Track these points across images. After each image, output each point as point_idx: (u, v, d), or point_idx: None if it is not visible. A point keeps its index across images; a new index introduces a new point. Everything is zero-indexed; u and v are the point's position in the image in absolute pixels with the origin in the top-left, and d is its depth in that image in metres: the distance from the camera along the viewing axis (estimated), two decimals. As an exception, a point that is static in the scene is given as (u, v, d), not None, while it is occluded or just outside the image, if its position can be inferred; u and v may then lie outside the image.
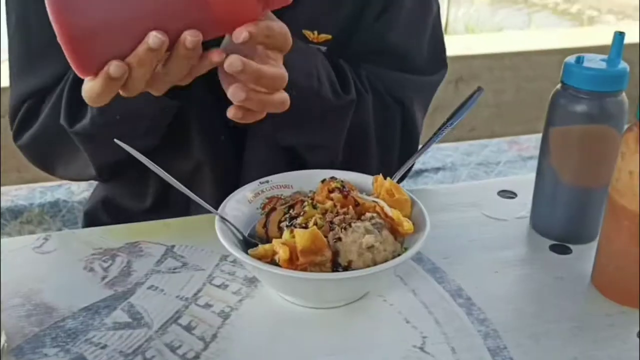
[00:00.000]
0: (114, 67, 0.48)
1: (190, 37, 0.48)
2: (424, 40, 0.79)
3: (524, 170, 1.62)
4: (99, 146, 0.70)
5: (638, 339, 0.53)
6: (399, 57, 0.78)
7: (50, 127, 0.71)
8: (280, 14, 0.59)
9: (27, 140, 0.74)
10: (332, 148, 0.75)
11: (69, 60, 0.48)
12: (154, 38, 0.48)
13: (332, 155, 0.75)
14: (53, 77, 0.71)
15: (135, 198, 0.80)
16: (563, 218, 0.66)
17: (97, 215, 0.85)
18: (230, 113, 0.54)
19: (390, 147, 0.79)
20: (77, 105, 0.67)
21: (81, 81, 0.53)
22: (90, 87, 0.50)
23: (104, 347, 0.52)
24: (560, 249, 0.66)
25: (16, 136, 0.75)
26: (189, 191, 0.58)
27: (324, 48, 0.74)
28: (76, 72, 0.49)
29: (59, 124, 0.68)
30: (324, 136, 0.74)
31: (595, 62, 0.61)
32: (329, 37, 0.73)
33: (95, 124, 0.66)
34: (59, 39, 0.47)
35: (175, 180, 0.58)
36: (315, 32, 0.73)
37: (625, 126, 0.58)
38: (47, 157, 0.78)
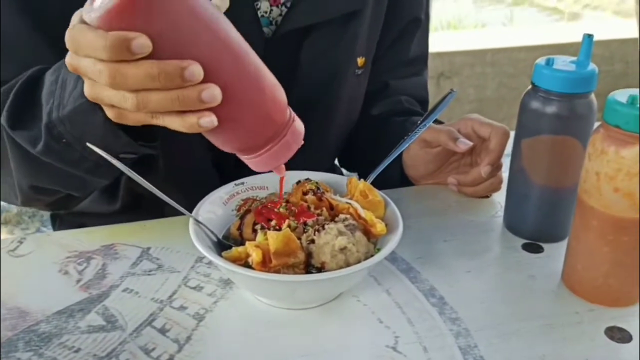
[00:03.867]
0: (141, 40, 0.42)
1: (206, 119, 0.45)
2: (428, 41, 0.91)
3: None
4: (33, 165, 0.62)
5: (605, 336, 0.55)
6: (419, 63, 0.90)
7: None
8: (342, 44, 0.75)
9: None
10: None
11: None
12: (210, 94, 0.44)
13: None
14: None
15: (104, 200, 0.80)
16: (535, 217, 0.67)
17: (65, 217, 0.85)
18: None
19: None
20: (25, 110, 0.60)
21: (35, 85, 0.54)
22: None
23: (78, 350, 0.52)
24: (532, 247, 0.67)
25: None
26: (162, 194, 0.58)
27: (360, 71, 0.81)
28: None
29: None
30: None
31: (565, 64, 0.62)
32: (364, 59, 0.81)
33: (46, 140, 0.57)
34: None
35: (149, 183, 0.58)
36: (363, 58, 0.80)
37: (595, 124, 0.59)
38: None
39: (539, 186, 0.65)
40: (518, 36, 3.08)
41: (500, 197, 0.73)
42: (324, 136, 0.81)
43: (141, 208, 0.75)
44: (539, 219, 0.67)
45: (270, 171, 0.67)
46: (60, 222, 0.88)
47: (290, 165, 0.67)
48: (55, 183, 0.65)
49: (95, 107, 0.52)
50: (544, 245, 0.67)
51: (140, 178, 0.57)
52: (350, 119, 0.86)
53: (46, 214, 1.33)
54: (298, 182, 0.64)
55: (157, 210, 0.72)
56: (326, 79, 0.76)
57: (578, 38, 0.62)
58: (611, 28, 3.46)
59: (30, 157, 0.61)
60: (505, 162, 0.73)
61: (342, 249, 0.54)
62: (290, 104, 0.50)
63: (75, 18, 0.46)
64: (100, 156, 0.53)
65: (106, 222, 0.70)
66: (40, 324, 0.55)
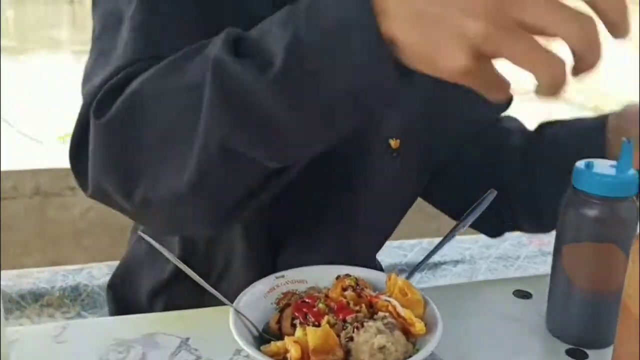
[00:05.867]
0: None
1: None
2: None
3: (544, 266, 1.60)
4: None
5: None
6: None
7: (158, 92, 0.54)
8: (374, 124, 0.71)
9: (115, 115, 0.54)
10: None
11: None
12: None
13: None
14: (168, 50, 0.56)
15: (154, 268, 0.81)
16: (578, 322, 0.65)
17: (116, 288, 0.88)
18: None
19: None
20: (243, 42, 0.50)
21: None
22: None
23: None
24: (577, 353, 0.65)
25: (98, 112, 0.55)
26: (203, 281, 0.59)
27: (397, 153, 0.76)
28: None
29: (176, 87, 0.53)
30: None
31: (605, 167, 0.63)
32: (399, 141, 0.76)
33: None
34: None
35: (189, 269, 0.59)
36: (397, 140, 0.76)
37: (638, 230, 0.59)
38: (135, 144, 0.55)
39: (581, 290, 0.64)
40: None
41: (542, 298, 0.72)
42: (354, 215, 0.78)
43: (187, 281, 0.71)
44: (582, 324, 0.65)
45: (309, 264, 0.68)
46: (110, 293, 0.91)
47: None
48: (258, 133, 0.51)
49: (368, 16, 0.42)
50: (588, 351, 0.65)
51: (179, 261, 0.59)
52: (387, 205, 0.80)
53: (87, 298, 1.35)
54: (337, 277, 0.65)
55: (199, 289, 0.69)
56: (353, 157, 0.74)
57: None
58: None
59: (239, 97, 0.48)
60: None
61: (381, 348, 0.54)
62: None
63: None
64: (349, 87, 0.45)
65: (150, 295, 0.71)
66: (78, 413, 0.56)
